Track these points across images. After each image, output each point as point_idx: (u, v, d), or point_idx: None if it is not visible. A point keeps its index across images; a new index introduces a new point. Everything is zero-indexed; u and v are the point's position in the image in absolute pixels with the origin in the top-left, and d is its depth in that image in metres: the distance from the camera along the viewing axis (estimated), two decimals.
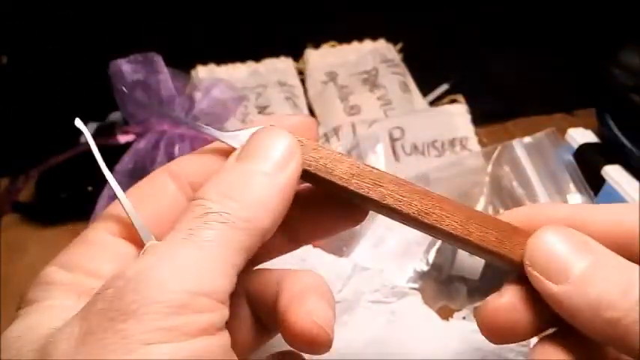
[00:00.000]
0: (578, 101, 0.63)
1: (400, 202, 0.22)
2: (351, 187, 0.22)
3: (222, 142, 0.22)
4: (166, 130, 0.47)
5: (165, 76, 0.46)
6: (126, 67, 0.46)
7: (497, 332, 0.22)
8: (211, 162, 0.22)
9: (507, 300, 0.22)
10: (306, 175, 0.22)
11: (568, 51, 0.68)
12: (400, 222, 0.24)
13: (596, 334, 0.20)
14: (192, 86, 0.49)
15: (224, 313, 0.18)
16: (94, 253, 0.21)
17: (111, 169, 0.49)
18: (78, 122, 0.23)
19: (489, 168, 0.52)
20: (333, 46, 0.67)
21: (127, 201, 0.21)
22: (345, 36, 0.67)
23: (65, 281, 0.20)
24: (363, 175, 0.22)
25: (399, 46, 0.67)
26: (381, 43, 0.67)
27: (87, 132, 0.23)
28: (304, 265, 0.36)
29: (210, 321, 0.18)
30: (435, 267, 0.45)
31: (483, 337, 0.23)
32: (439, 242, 0.45)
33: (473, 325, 0.36)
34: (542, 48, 0.69)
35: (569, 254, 0.21)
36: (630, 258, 0.21)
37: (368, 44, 0.67)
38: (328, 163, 0.22)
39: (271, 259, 0.25)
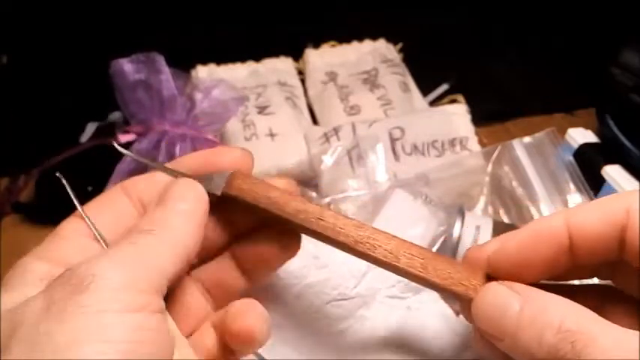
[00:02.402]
0: (578, 101, 0.63)
1: (339, 233, 0.27)
2: (297, 221, 0.27)
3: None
4: (167, 130, 0.47)
5: (167, 75, 0.46)
6: (128, 67, 0.46)
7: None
8: (156, 182, 0.29)
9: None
10: (256, 210, 0.28)
11: (568, 51, 0.68)
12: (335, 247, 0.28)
13: None
14: (192, 86, 0.49)
15: (155, 301, 0.23)
16: (66, 247, 0.26)
17: (111, 169, 0.48)
18: None
19: (489, 168, 0.52)
20: (333, 46, 0.67)
21: (87, 215, 0.27)
22: (345, 36, 0.67)
23: (39, 270, 0.24)
24: (307, 212, 0.27)
25: (399, 46, 0.67)
26: (381, 43, 0.67)
27: None
28: (317, 262, 0.35)
29: (144, 302, 0.23)
30: None
31: None
32: (438, 244, 0.45)
33: None
34: (542, 48, 0.69)
35: (500, 318, 0.25)
36: (610, 248, 0.25)
37: (368, 44, 0.67)
38: (280, 202, 0.27)
39: (239, 292, 0.30)
